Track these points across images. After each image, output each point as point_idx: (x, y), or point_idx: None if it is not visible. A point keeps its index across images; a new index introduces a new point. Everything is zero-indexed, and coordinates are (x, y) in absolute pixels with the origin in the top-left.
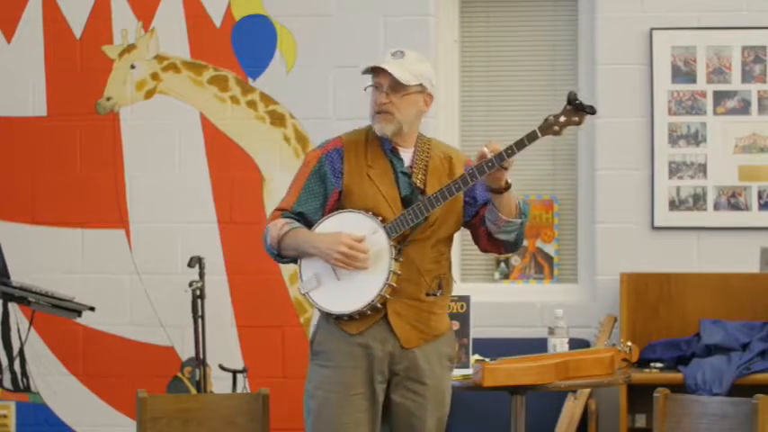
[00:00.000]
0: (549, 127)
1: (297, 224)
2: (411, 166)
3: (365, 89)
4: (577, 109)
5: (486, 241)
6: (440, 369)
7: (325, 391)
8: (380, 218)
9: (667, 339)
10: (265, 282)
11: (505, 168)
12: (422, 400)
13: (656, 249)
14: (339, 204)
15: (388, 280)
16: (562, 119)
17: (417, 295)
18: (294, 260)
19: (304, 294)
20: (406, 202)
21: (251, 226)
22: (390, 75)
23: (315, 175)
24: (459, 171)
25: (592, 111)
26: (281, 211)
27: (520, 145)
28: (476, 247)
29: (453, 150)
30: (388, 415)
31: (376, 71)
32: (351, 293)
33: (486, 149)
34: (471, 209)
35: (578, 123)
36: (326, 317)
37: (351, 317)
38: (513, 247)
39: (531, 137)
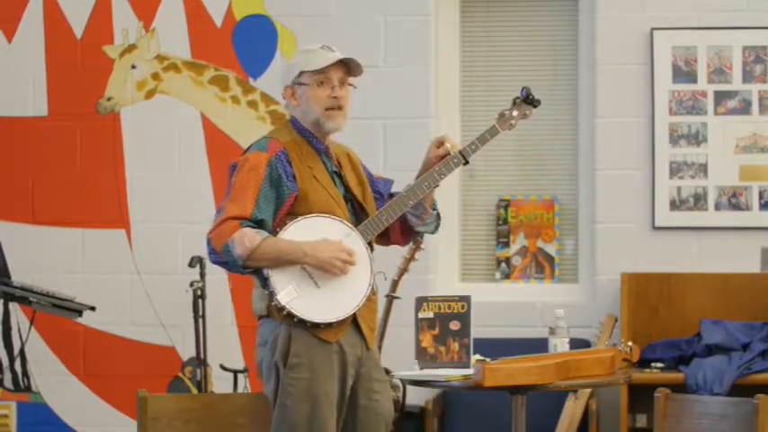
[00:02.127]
0: (505, 121)
1: (265, 233)
2: (336, 165)
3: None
4: (527, 102)
5: (400, 234)
6: (380, 365)
7: (311, 404)
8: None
9: (668, 339)
10: None
11: (467, 163)
12: (381, 398)
13: (656, 249)
14: (292, 209)
15: (372, 283)
16: (515, 113)
17: (369, 295)
18: (255, 271)
19: (283, 306)
20: (345, 201)
21: None
22: (343, 68)
23: (267, 180)
24: (359, 167)
25: (538, 104)
26: (238, 220)
27: (482, 140)
28: (474, 247)
29: (345, 146)
30: (351, 418)
31: (328, 66)
32: (334, 300)
33: (448, 146)
34: (379, 203)
35: (527, 116)
36: (300, 326)
37: (330, 324)
38: (422, 236)
39: (492, 132)
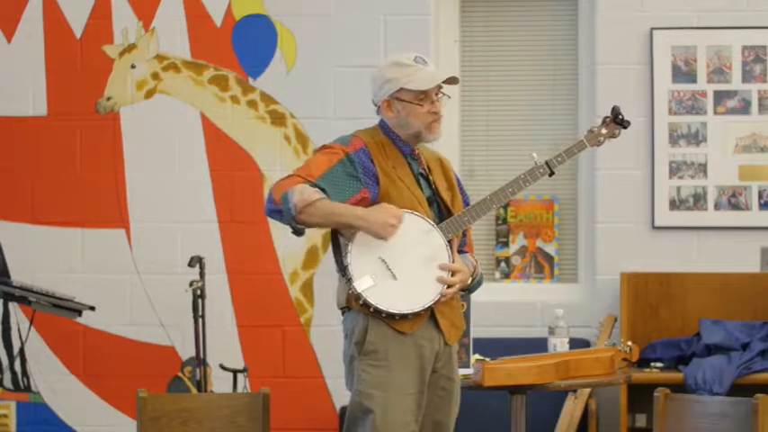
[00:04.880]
0: (593, 137)
1: (325, 196)
2: (424, 168)
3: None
4: (616, 123)
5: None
6: (456, 365)
7: (384, 392)
8: None
9: (667, 339)
10: (265, 281)
11: (552, 174)
12: (449, 396)
13: (656, 249)
14: (368, 205)
15: None
16: (604, 131)
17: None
18: (300, 232)
19: (358, 294)
20: (429, 203)
21: (251, 225)
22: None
23: (340, 167)
24: (450, 173)
25: (628, 124)
26: (303, 179)
27: (569, 153)
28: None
29: (437, 153)
30: None
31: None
32: (410, 293)
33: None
34: None
35: (616, 136)
36: (376, 317)
37: (405, 316)
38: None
39: (580, 146)
